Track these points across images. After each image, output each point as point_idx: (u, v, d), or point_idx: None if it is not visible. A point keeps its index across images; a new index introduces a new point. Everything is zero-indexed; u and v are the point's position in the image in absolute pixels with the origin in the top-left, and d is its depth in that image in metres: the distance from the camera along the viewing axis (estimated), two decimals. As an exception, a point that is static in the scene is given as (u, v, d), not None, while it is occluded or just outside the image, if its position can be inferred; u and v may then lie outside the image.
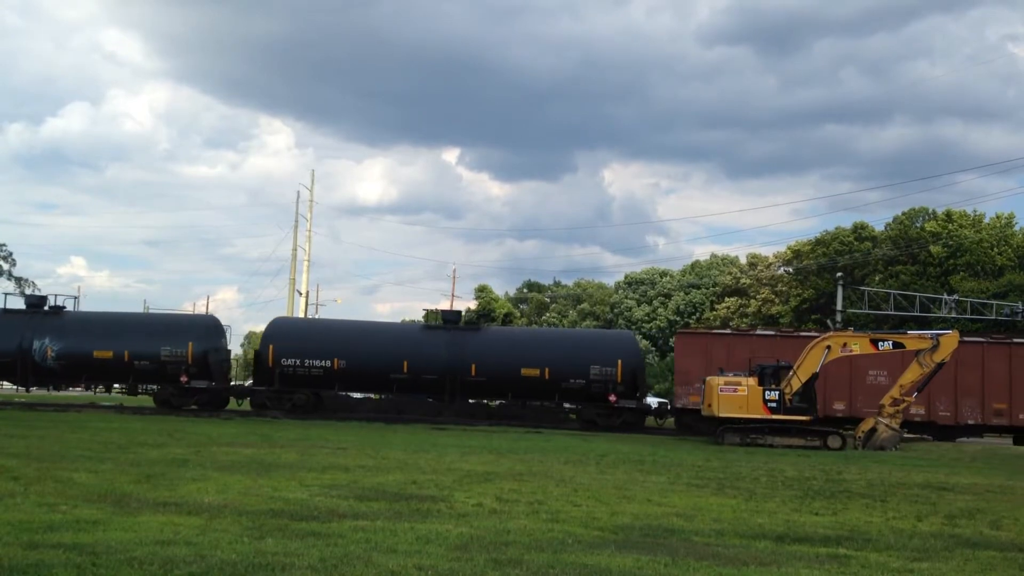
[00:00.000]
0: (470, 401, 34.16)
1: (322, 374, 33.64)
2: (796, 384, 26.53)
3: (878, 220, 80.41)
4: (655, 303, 74.88)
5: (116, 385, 35.06)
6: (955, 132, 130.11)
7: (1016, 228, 58.45)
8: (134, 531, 8.45)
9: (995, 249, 55.80)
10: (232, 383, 37.59)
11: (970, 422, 29.97)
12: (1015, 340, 31.34)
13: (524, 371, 32.91)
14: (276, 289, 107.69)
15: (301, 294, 66.74)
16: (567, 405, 33.37)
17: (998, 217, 59.45)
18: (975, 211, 59.51)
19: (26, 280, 56.97)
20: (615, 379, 32.47)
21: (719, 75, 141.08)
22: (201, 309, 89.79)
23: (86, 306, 36.92)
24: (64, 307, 36.15)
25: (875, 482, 16.40)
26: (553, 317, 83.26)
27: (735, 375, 27.64)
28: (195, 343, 33.95)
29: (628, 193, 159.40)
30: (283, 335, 34.68)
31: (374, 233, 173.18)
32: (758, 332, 33.10)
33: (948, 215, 58.68)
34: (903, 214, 61.48)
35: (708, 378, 27.86)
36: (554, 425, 32.23)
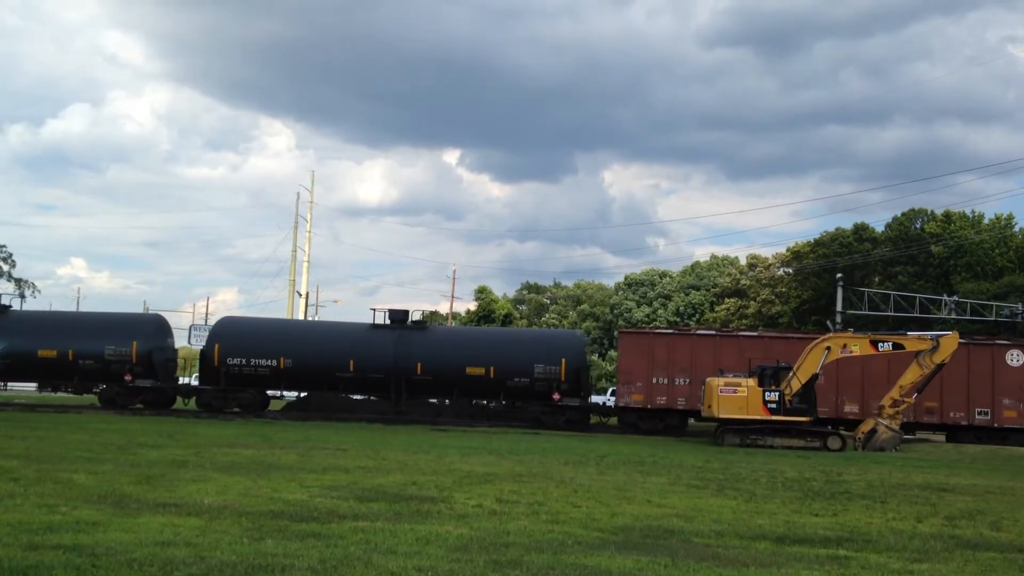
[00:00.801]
0: (430, 400, 34.47)
1: (268, 373, 33.86)
2: (796, 385, 26.52)
3: (878, 221, 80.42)
4: (655, 304, 74.88)
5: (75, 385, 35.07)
6: (955, 133, 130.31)
7: (1016, 229, 58.45)
8: (134, 532, 8.45)
9: (995, 250, 55.80)
10: (181, 382, 37.68)
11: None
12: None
13: (469, 370, 33.20)
14: (276, 290, 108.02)
15: (301, 295, 66.77)
16: (513, 403, 33.73)
17: (998, 218, 59.43)
18: (975, 212, 59.53)
19: (25, 281, 56.94)
20: (559, 378, 32.87)
21: (719, 77, 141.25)
22: (201, 310, 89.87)
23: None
24: (9, 306, 36.26)
25: (875, 483, 16.40)
26: (553, 318, 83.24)
27: (735, 376, 27.65)
28: (139, 342, 34.07)
29: (628, 194, 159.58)
30: (229, 334, 34.79)
31: (375, 234, 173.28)
32: (698, 332, 33.58)
33: (948, 216, 58.67)
34: (902, 215, 61.48)
35: (708, 379, 27.86)
36: (499, 423, 32.52)
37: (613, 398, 37.01)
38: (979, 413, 29.75)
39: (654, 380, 31.42)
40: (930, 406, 29.83)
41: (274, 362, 33.77)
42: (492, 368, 33.12)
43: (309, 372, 34.13)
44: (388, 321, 35.35)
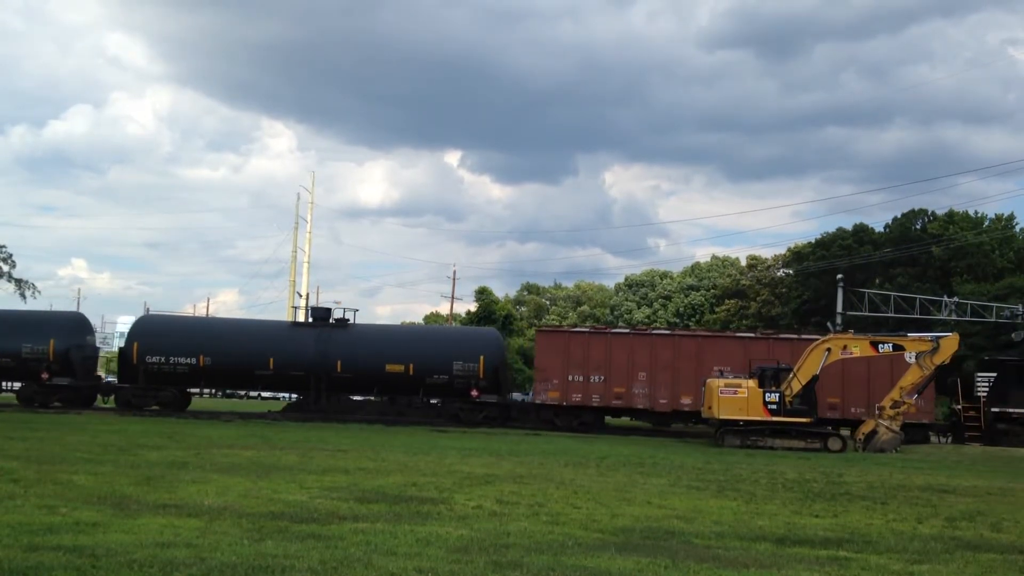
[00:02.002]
0: (351, 398, 34.83)
1: (188, 371, 33.95)
2: (796, 386, 26.52)
3: (879, 222, 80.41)
4: (655, 305, 74.86)
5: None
6: (955, 134, 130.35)
7: (1016, 230, 58.40)
8: (134, 533, 8.44)
9: (996, 251, 55.76)
10: (105, 380, 37.65)
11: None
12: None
13: (389, 367, 33.44)
14: (276, 291, 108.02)
15: (301, 296, 66.76)
16: (432, 400, 34.13)
17: (998, 218, 59.38)
18: (976, 213, 59.48)
19: (26, 282, 56.83)
20: (477, 375, 33.20)
21: (720, 79, 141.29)
22: (201, 311, 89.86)
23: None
24: None
25: (876, 484, 16.38)
26: (553, 319, 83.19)
27: (735, 376, 27.65)
28: (57, 340, 34.05)
29: (629, 195, 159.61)
30: (148, 332, 34.82)
31: (375, 235, 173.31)
32: (613, 331, 33.93)
33: (950, 216, 58.62)
34: (902, 216, 61.45)
35: (708, 380, 27.87)
36: (420, 421, 32.73)
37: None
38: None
39: (570, 378, 31.98)
40: (832, 402, 30.40)
41: (193, 360, 33.88)
42: (412, 365, 33.44)
43: (229, 370, 34.38)
44: (310, 319, 35.50)
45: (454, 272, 73.33)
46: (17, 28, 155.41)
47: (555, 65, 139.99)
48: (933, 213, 60.04)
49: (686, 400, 31.25)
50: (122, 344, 36.47)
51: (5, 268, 54.93)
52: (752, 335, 34.51)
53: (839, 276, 48.64)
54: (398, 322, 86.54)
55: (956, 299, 44.37)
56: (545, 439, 27.01)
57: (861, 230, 61.75)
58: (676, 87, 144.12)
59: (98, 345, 41.02)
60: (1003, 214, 60.07)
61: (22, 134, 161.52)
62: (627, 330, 34.38)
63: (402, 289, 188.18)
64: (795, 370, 26.70)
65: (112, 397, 34.79)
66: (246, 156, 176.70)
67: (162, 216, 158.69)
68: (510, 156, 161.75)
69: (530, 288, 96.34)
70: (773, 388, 26.57)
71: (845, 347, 27.02)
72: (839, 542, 9.58)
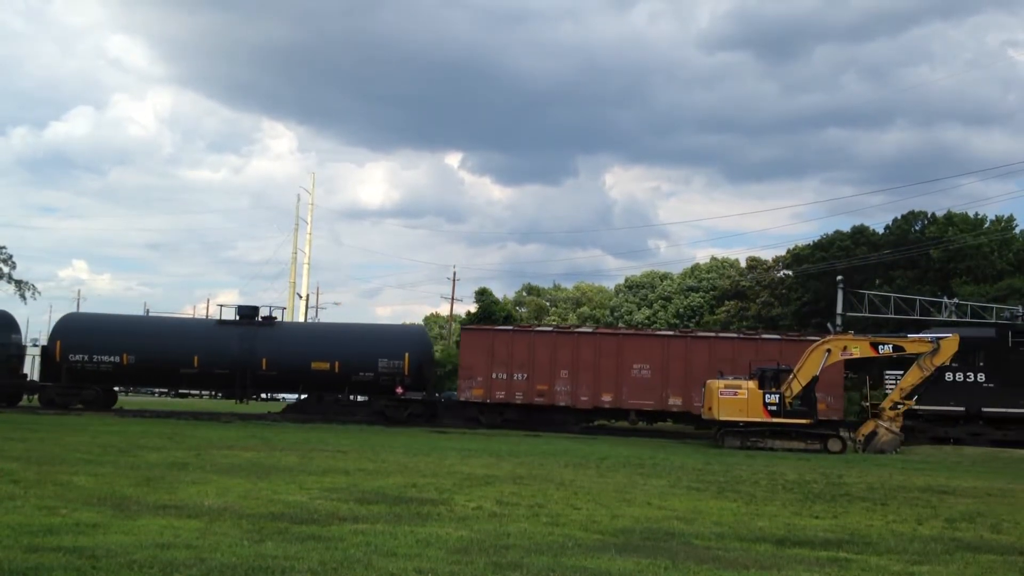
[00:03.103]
0: (276, 396, 35.47)
1: (112, 370, 33.98)
2: (796, 387, 26.53)
3: (879, 223, 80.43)
4: (655, 306, 74.85)
5: None
6: (956, 136, 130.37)
7: (1016, 231, 58.38)
8: (134, 534, 8.44)
9: (995, 253, 55.75)
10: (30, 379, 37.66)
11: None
12: (763, 336, 33.71)
13: (315, 365, 33.60)
14: (277, 292, 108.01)
15: (301, 297, 66.78)
16: (358, 398, 34.47)
17: (998, 219, 59.37)
18: (975, 215, 59.46)
19: (26, 283, 56.84)
20: (402, 372, 33.39)
21: (720, 80, 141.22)
22: (201, 312, 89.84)
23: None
24: None
25: (875, 485, 16.39)
26: (553, 320, 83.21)
27: (736, 378, 27.65)
28: None
29: (629, 197, 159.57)
30: (71, 330, 34.78)
31: (376, 236, 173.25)
32: (537, 329, 34.36)
33: (948, 218, 58.62)
34: (901, 218, 61.45)
35: (708, 381, 27.88)
36: (346, 418, 32.92)
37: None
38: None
39: (494, 375, 32.36)
40: None
41: (117, 358, 33.92)
42: (337, 363, 33.61)
43: (153, 368, 34.46)
44: (237, 317, 35.54)
45: (454, 273, 73.43)
46: (18, 29, 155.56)
47: (556, 66, 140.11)
48: (933, 215, 60.04)
49: (606, 397, 31.89)
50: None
51: (5, 269, 54.90)
52: (671, 333, 35.24)
53: (839, 277, 48.65)
54: (399, 323, 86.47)
55: (956, 301, 44.38)
56: (544, 440, 27.02)
57: (860, 232, 61.72)
58: (676, 88, 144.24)
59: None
60: (1003, 215, 60.02)
61: (23, 135, 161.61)
62: (550, 328, 34.92)
63: (402, 290, 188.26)
64: (795, 371, 26.71)
65: (36, 396, 34.77)
66: (247, 157, 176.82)
67: (163, 217, 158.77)
68: (511, 157, 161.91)
69: (530, 289, 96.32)
70: (773, 389, 26.58)
71: (845, 348, 27.02)
72: (839, 543, 9.58)
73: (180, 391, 43.28)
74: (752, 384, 26.79)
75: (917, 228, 60.18)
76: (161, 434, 22.55)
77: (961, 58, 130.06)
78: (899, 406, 26.88)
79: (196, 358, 33.86)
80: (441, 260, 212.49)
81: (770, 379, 26.95)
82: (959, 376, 29.52)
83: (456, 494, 12.39)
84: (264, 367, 33.69)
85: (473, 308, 73.50)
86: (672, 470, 17.87)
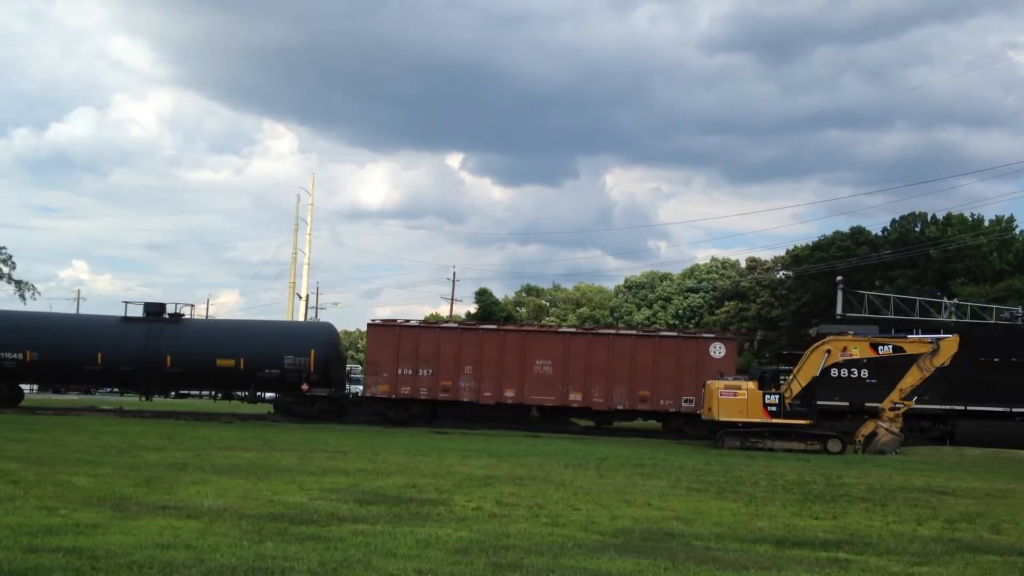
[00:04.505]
0: (182, 393, 35.65)
1: (15, 367, 33.88)
2: (796, 388, 26.53)
3: (879, 224, 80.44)
4: (655, 307, 74.85)
5: None
6: (956, 137, 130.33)
7: (1016, 232, 58.39)
8: (133, 535, 8.44)
9: (994, 254, 55.77)
10: None
11: (619, 407, 32.12)
12: (660, 333, 34.39)
13: (220, 362, 33.49)
14: (276, 292, 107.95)
15: (300, 297, 66.79)
16: (265, 394, 34.64)
17: (998, 220, 59.38)
18: (974, 215, 59.47)
19: (25, 283, 56.79)
20: (308, 368, 33.38)
21: (720, 82, 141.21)
22: (201, 312, 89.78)
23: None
24: None
25: (875, 486, 16.39)
26: (552, 321, 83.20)
27: (735, 379, 27.64)
28: None
29: (630, 197, 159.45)
30: None
31: (376, 237, 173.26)
32: (443, 326, 34.67)
33: (948, 219, 58.64)
34: (901, 218, 61.47)
35: (708, 382, 27.88)
36: (253, 416, 33.06)
37: None
38: (685, 401, 31.39)
39: (400, 371, 32.50)
40: (643, 395, 31.55)
41: (20, 355, 33.77)
42: (243, 360, 33.52)
43: (57, 365, 34.30)
44: (144, 314, 35.45)
45: (454, 274, 73.42)
46: (20, 31, 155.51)
47: (556, 68, 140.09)
48: (934, 216, 60.08)
49: (509, 393, 32.24)
50: None
51: (5, 270, 54.87)
52: (572, 330, 35.60)
53: (838, 278, 48.65)
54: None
55: (956, 301, 44.38)
56: (544, 441, 27.01)
57: (860, 232, 61.74)
58: (677, 90, 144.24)
59: None
60: (1003, 216, 60.06)
61: (24, 136, 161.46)
62: (455, 325, 35.10)
63: (403, 291, 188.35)
64: (795, 372, 26.71)
65: None
66: (248, 158, 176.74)
67: (163, 218, 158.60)
68: (511, 158, 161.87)
69: (529, 290, 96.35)
70: (773, 390, 26.57)
71: (845, 349, 27.01)
72: (839, 544, 9.58)
73: (87, 388, 43.01)
74: (752, 385, 26.79)
75: (917, 229, 60.21)
76: (160, 434, 22.54)
77: (961, 60, 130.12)
78: (899, 407, 26.85)
79: (100, 355, 33.70)
80: (441, 261, 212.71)
81: (770, 380, 26.94)
82: (843, 372, 30.10)
83: (456, 495, 12.39)
84: (169, 364, 33.54)
85: (473, 309, 73.57)
86: (672, 471, 17.87)
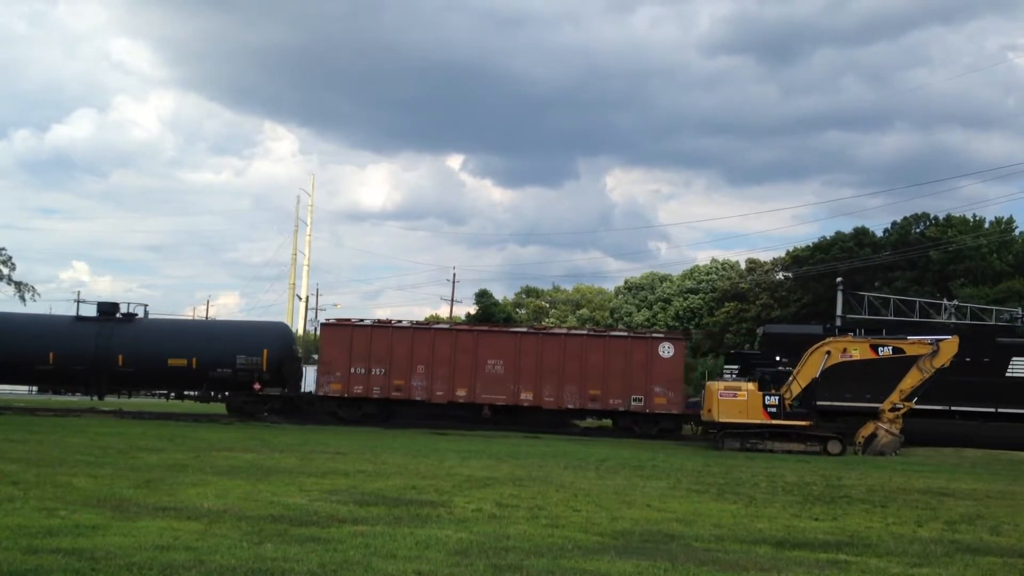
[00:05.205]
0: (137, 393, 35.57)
1: None
2: (796, 389, 26.52)
3: (879, 225, 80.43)
4: (655, 308, 74.81)
5: None
6: (956, 138, 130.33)
7: (1016, 233, 58.38)
8: (133, 536, 8.43)
9: (994, 255, 55.76)
10: None
11: (570, 406, 32.32)
12: (611, 333, 34.60)
13: (172, 361, 33.47)
14: (277, 293, 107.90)
15: (301, 298, 66.79)
16: (218, 394, 34.52)
17: (998, 221, 59.37)
18: (975, 217, 59.46)
19: (25, 284, 56.70)
20: (261, 368, 33.40)
21: (720, 84, 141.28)
22: (201, 313, 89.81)
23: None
24: None
25: (875, 487, 16.38)
26: (552, 322, 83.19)
27: (735, 379, 27.63)
28: None
29: (630, 199, 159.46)
30: None
31: (377, 238, 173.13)
32: (395, 325, 34.42)
33: (948, 220, 58.64)
34: (902, 220, 61.49)
35: (708, 383, 27.88)
36: (205, 415, 33.09)
37: None
38: (634, 400, 31.62)
39: (352, 370, 32.60)
40: (594, 394, 31.80)
41: None
42: (195, 359, 33.52)
43: (7, 364, 34.20)
44: (97, 313, 35.39)
45: (453, 275, 73.38)
46: (22, 33, 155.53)
47: (556, 70, 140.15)
48: (936, 218, 60.07)
49: (461, 392, 32.39)
50: None
51: (5, 271, 54.81)
52: (524, 330, 35.68)
53: (838, 279, 48.64)
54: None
55: (956, 302, 44.38)
56: (544, 442, 27.01)
57: (862, 233, 61.74)
58: (677, 92, 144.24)
59: None
60: (1002, 217, 60.09)
61: (25, 138, 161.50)
62: (408, 324, 35.15)
63: (403, 292, 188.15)
64: (795, 373, 26.70)
65: None
66: (248, 160, 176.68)
67: (164, 219, 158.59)
68: (511, 160, 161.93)
69: (529, 291, 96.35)
70: (773, 391, 26.56)
71: (845, 350, 27.00)
72: (839, 545, 9.58)
73: (39, 388, 43.07)
74: (752, 386, 26.78)
75: (918, 230, 60.21)
76: (160, 436, 22.54)
77: (961, 62, 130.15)
78: (899, 408, 26.85)
79: (52, 355, 33.62)
80: (442, 262, 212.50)
81: (770, 381, 26.93)
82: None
83: (456, 496, 12.39)
84: (121, 364, 33.48)
85: (473, 310, 73.54)
86: (671, 472, 17.87)
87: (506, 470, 16.69)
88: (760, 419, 26.37)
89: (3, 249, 55.81)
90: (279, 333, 36.11)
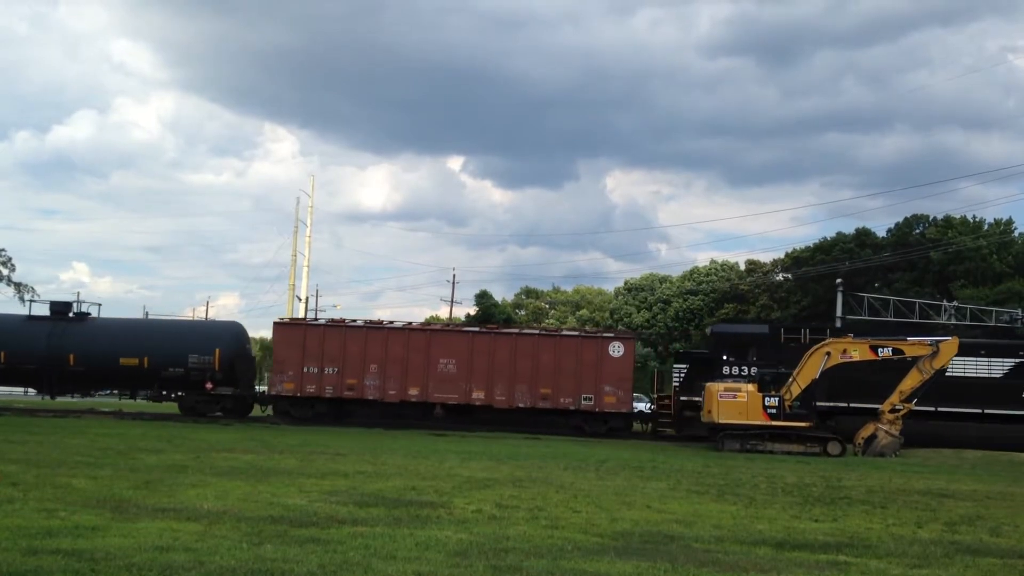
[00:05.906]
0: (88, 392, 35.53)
1: None
2: (796, 390, 26.51)
3: (879, 226, 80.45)
4: (655, 309, 74.79)
5: None
6: (956, 140, 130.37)
7: (1016, 234, 58.39)
8: (133, 537, 8.43)
9: (994, 256, 55.78)
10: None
11: (520, 405, 32.32)
12: (562, 333, 34.81)
13: (123, 360, 33.43)
14: (276, 294, 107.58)
15: (300, 299, 66.75)
16: (170, 393, 34.52)
17: (997, 222, 59.39)
18: (975, 218, 59.48)
19: (25, 285, 56.63)
20: (213, 367, 33.37)
21: (720, 85, 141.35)
22: (201, 314, 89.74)
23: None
24: None
25: (875, 488, 16.38)
26: (552, 323, 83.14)
27: (735, 380, 27.63)
28: None
29: (630, 200, 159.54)
30: None
31: (377, 239, 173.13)
32: (349, 324, 34.41)
33: (948, 221, 58.66)
34: (902, 221, 61.53)
35: (708, 384, 27.86)
36: (158, 414, 33.04)
37: None
38: (584, 399, 31.72)
39: (305, 369, 32.62)
40: (544, 392, 31.91)
41: None
42: (147, 359, 33.47)
43: None
44: (49, 313, 35.36)
45: (453, 276, 73.25)
46: (23, 34, 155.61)
47: (557, 71, 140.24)
48: (935, 218, 60.10)
49: (413, 391, 32.40)
50: None
51: (4, 272, 54.76)
52: (476, 329, 35.69)
53: (838, 280, 48.65)
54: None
55: (956, 303, 44.40)
56: (545, 443, 27.01)
57: (865, 234, 61.77)
58: (677, 93, 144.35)
59: None
60: (1002, 219, 60.13)
61: (26, 139, 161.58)
62: (361, 324, 35.04)
63: (403, 293, 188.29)
64: (794, 374, 26.70)
65: None
66: (249, 161, 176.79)
67: (164, 220, 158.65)
68: (512, 161, 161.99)
69: (529, 292, 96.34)
70: (773, 392, 26.56)
71: (845, 351, 27.00)
72: (838, 546, 9.58)
73: None
74: (752, 387, 26.77)
75: (918, 231, 60.23)
76: (160, 437, 22.53)
77: (960, 63, 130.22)
78: (898, 409, 26.84)
79: (4, 354, 33.73)
80: (442, 263, 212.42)
81: (770, 382, 26.93)
82: (734, 370, 30.63)
83: (455, 497, 12.38)
84: (72, 363, 33.47)
85: (473, 311, 73.53)
86: (671, 473, 17.86)
87: (506, 471, 16.69)
88: (760, 420, 26.36)
89: (3, 250, 55.74)
90: (232, 332, 35.96)
